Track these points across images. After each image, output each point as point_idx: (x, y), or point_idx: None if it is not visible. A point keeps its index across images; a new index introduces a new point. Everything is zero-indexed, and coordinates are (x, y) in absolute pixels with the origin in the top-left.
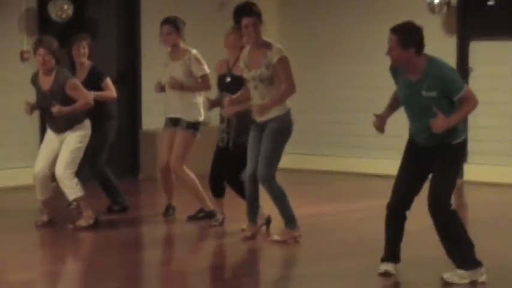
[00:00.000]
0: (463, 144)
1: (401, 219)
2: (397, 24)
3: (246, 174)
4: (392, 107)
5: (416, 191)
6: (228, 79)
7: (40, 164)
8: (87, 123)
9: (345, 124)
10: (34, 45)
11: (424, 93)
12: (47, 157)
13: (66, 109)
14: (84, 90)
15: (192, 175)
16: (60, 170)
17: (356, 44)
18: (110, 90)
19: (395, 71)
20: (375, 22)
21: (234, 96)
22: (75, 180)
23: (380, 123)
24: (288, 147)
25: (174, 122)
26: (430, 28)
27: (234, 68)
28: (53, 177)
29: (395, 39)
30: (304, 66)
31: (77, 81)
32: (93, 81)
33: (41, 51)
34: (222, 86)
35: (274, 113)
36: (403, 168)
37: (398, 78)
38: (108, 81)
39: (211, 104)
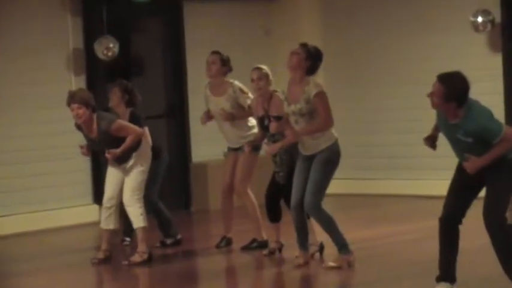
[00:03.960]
0: None
1: (454, 232)
2: (445, 74)
3: (291, 204)
4: (438, 128)
5: (468, 203)
6: (266, 121)
7: (108, 193)
8: (144, 147)
9: (392, 146)
10: (67, 100)
11: (460, 137)
12: (114, 185)
13: (119, 151)
14: (130, 125)
15: (254, 200)
16: (127, 196)
17: (400, 63)
18: (145, 138)
19: None
20: (418, 40)
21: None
22: (141, 209)
23: (431, 143)
24: (337, 173)
25: (235, 149)
26: (475, 46)
27: (270, 109)
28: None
29: (440, 89)
30: (346, 87)
31: (119, 122)
32: None
33: (74, 106)
34: (262, 128)
35: (322, 145)
36: (455, 181)
37: (438, 111)
38: (146, 130)
39: (207, 117)
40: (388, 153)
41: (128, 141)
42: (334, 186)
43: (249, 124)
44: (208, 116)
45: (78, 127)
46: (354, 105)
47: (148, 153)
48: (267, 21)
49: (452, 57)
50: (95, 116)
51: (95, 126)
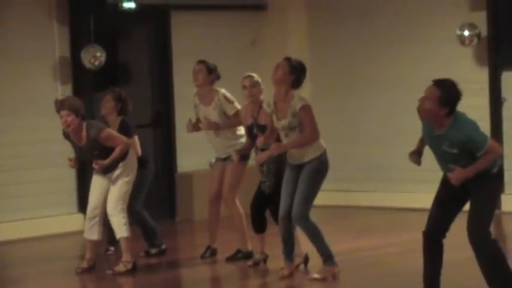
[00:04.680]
0: (500, 172)
1: (438, 246)
2: (441, 79)
3: (279, 215)
4: (423, 141)
5: (452, 217)
6: (255, 130)
7: (92, 203)
8: (131, 157)
9: (377, 158)
10: (56, 107)
11: (445, 148)
12: (98, 195)
13: (107, 162)
14: (119, 136)
15: (241, 210)
16: (111, 205)
17: (387, 74)
18: (135, 147)
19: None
20: (405, 52)
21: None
22: (125, 219)
23: (416, 158)
24: (323, 184)
25: (223, 159)
26: (461, 59)
27: (259, 117)
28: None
29: (435, 93)
30: (333, 97)
31: (108, 131)
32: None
33: (63, 113)
34: (251, 137)
35: (310, 155)
36: (439, 194)
37: (423, 121)
38: (135, 139)
39: (194, 127)
40: (373, 165)
41: (117, 151)
42: (319, 198)
43: (237, 133)
44: (196, 127)
45: (66, 136)
46: (340, 116)
47: (135, 164)
48: (254, 31)
49: (439, 70)
50: (84, 124)
51: (84, 133)
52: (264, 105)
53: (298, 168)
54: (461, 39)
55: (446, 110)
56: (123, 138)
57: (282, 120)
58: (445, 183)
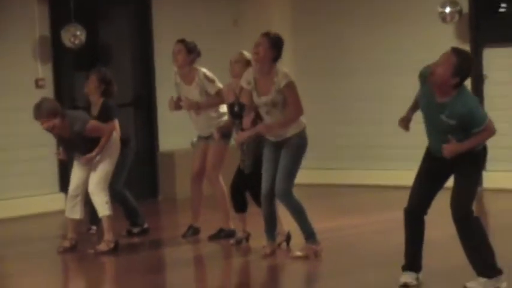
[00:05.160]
0: (484, 151)
1: (420, 223)
2: (460, 49)
3: (262, 193)
4: (416, 106)
5: (433, 194)
6: (236, 108)
7: (73, 182)
8: (113, 139)
9: (359, 136)
10: (34, 115)
11: (443, 118)
12: (80, 174)
13: (94, 154)
14: (103, 125)
15: (224, 188)
16: (93, 185)
17: (371, 54)
18: (115, 130)
19: (424, 78)
20: (387, 32)
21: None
22: (106, 198)
23: (404, 124)
24: (304, 162)
25: (206, 137)
26: (443, 37)
27: (242, 96)
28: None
29: (452, 60)
30: (316, 78)
31: (92, 123)
32: (103, 119)
33: (43, 121)
34: (232, 115)
35: (291, 131)
36: (421, 171)
37: (423, 87)
38: (116, 123)
39: (176, 105)
40: (356, 144)
41: (102, 142)
42: (301, 176)
43: (220, 111)
44: (177, 105)
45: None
46: (323, 96)
47: (117, 145)
48: (236, 11)
49: (421, 48)
50: (65, 121)
51: (67, 127)
52: (242, 83)
53: (278, 145)
54: (443, 16)
55: (456, 80)
56: (107, 127)
57: (264, 96)
58: (427, 160)
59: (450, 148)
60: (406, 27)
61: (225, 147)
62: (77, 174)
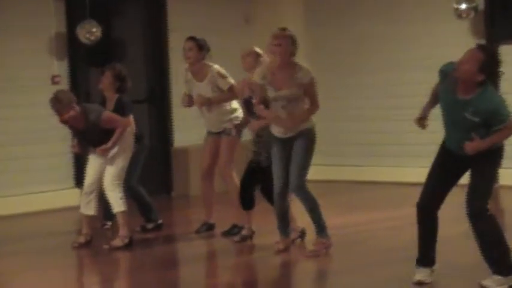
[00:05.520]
0: (501, 148)
1: (432, 218)
2: (486, 45)
3: (274, 191)
4: (433, 102)
5: (446, 190)
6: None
7: (88, 179)
8: (128, 135)
9: (372, 133)
10: (54, 110)
11: (467, 115)
12: (95, 171)
13: (109, 145)
14: (118, 117)
15: (238, 184)
16: (108, 181)
17: (383, 50)
18: (130, 125)
19: (444, 74)
20: (401, 29)
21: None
22: (121, 193)
23: (422, 123)
24: (315, 159)
25: (217, 133)
26: (458, 33)
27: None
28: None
29: (478, 56)
30: (328, 74)
31: (107, 114)
32: (118, 115)
33: (65, 113)
34: (249, 110)
35: (301, 127)
36: (435, 166)
37: (444, 82)
38: (131, 119)
39: (190, 100)
40: (368, 140)
41: (117, 134)
42: (314, 172)
43: (232, 107)
44: (190, 101)
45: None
46: (335, 92)
47: (132, 141)
48: (248, 8)
49: (436, 44)
50: (81, 111)
51: (83, 119)
52: (255, 77)
53: (287, 142)
54: (458, 13)
55: (482, 77)
56: (122, 119)
57: (283, 90)
58: (442, 154)
59: (473, 146)
60: (421, 23)
61: (238, 143)
62: (91, 170)
